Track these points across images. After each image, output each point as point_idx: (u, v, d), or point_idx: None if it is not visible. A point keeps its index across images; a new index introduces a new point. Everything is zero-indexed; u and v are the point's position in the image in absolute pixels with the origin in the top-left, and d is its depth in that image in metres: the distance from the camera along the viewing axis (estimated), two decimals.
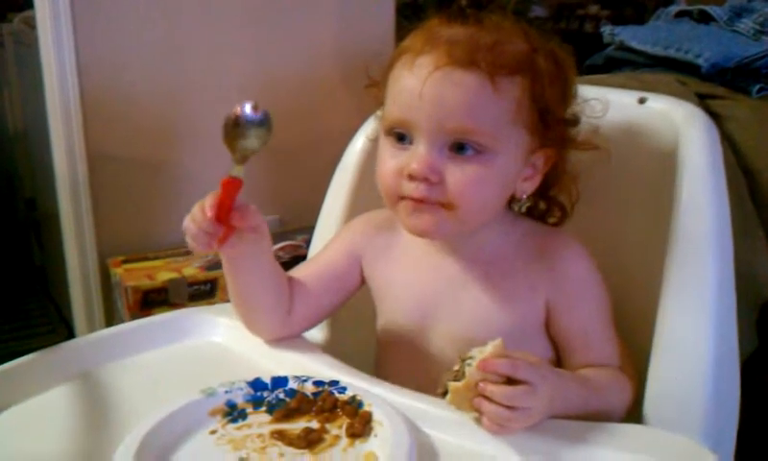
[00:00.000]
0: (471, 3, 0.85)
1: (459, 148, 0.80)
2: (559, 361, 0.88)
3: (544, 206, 0.91)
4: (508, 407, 0.71)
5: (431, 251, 0.90)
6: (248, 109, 0.77)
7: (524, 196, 0.87)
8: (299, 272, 0.96)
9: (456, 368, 0.73)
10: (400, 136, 0.82)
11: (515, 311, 0.86)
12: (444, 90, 0.78)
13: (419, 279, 0.91)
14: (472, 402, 0.72)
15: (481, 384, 0.71)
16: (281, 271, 0.92)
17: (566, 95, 0.85)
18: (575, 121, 0.86)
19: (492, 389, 0.71)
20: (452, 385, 0.73)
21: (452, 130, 0.79)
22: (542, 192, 0.89)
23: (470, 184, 0.80)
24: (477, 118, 0.79)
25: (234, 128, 0.77)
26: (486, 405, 0.71)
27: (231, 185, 0.78)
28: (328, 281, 0.95)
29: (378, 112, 0.91)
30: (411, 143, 0.81)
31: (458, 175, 0.79)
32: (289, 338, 0.94)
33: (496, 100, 0.79)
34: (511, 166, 0.82)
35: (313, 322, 0.96)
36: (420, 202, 0.81)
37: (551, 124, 0.83)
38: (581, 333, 0.87)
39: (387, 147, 0.84)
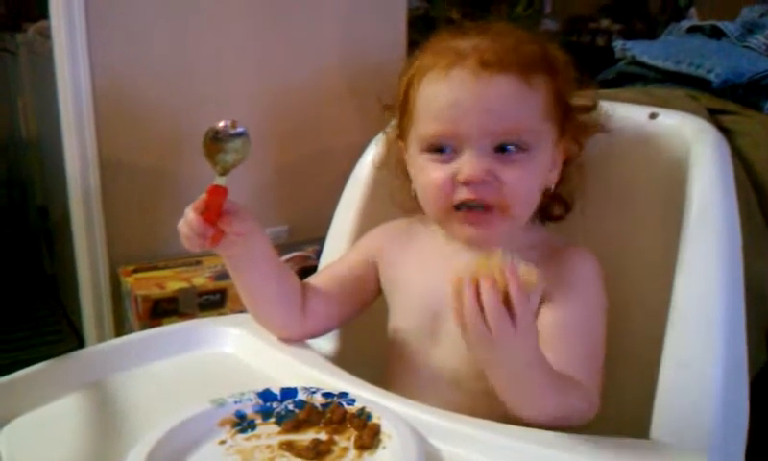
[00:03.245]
0: (475, 16, 0.89)
1: (503, 149, 0.83)
2: None
3: (546, 202, 0.93)
4: (484, 321, 0.69)
5: (448, 252, 0.91)
6: (226, 125, 0.83)
7: (552, 187, 0.90)
8: (316, 276, 0.99)
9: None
10: (440, 149, 0.85)
11: None
12: (488, 97, 0.82)
13: (432, 276, 0.92)
14: (464, 278, 0.70)
15: (487, 278, 0.68)
16: (288, 270, 0.94)
17: (572, 87, 0.90)
18: (593, 106, 0.91)
19: (488, 291, 0.68)
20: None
21: (500, 131, 0.83)
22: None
23: (521, 180, 0.84)
24: (519, 118, 0.83)
25: (213, 143, 0.82)
26: (469, 297, 0.69)
27: (216, 193, 0.82)
28: (345, 284, 0.97)
29: (387, 130, 0.95)
30: (454, 152, 0.84)
31: (509, 173, 0.83)
32: (307, 338, 0.95)
33: (531, 97, 0.84)
34: (546, 159, 0.87)
35: (330, 323, 0.97)
36: (476, 214, 0.84)
37: (569, 114, 0.88)
38: (558, 327, 0.84)
39: (426, 162, 0.86)
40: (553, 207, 0.95)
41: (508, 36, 0.85)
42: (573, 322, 0.85)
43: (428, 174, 0.86)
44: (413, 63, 0.89)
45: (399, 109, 0.92)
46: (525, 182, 0.84)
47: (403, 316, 0.95)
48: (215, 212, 0.83)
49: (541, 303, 0.86)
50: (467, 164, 0.83)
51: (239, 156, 0.82)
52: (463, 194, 0.84)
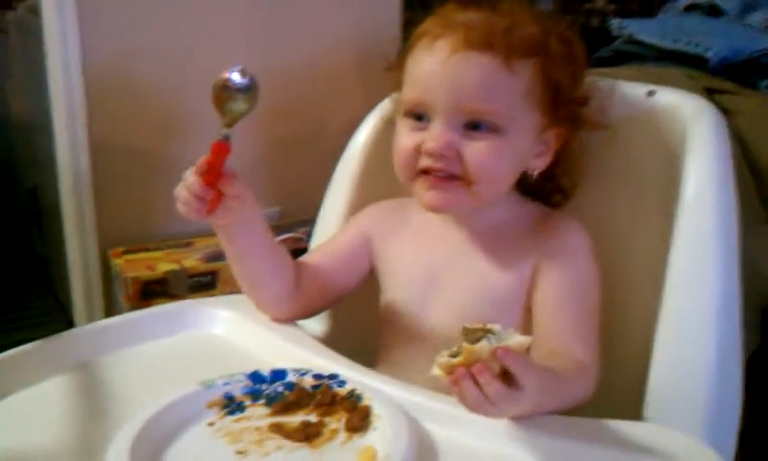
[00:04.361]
0: None
1: (474, 126, 0.84)
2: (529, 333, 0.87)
3: (548, 188, 0.95)
4: (492, 403, 0.67)
5: (438, 225, 0.93)
6: (236, 73, 0.82)
7: (535, 173, 0.90)
8: (308, 255, 1.00)
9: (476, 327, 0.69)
10: (418, 116, 0.86)
11: (508, 277, 0.89)
12: (462, 73, 0.83)
13: (424, 252, 0.94)
14: (456, 371, 0.67)
15: (478, 367, 0.66)
16: (281, 245, 0.95)
17: (577, 76, 0.90)
18: (585, 100, 0.90)
19: (488, 380, 0.66)
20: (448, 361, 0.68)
21: (468, 110, 0.83)
22: (547, 172, 0.92)
23: (485, 158, 0.84)
24: (492, 99, 0.83)
25: (223, 91, 0.81)
26: (469, 388, 0.67)
27: (221, 148, 0.81)
28: (338, 261, 0.97)
29: (395, 95, 0.95)
30: (428, 122, 0.85)
31: (473, 150, 0.84)
32: (300, 315, 0.95)
33: (510, 81, 0.83)
34: (523, 144, 0.87)
35: (322, 300, 0.97)
36: (437, 178, 0.85)
37: (562, 103, 0.87)
38: (556, 301, 0.86)
39: (404, 127, 0.88)
40: (553, 196, 0.96)
41: (507, 16, 0.86)
42: (567, 290, 0.86)
43: (400, 140, 0.88)
44: (417, 29, 0.90)
45: (399, 72, 0.92)
46: (490, 162, 0.84)
47: (396, 288, 0.95)
48: (216, 172, 0.82)
49: (535, 275, 0.88)
50: (432, 136, 0.84)
51: (248, 105, 0.81)
52: (425, 162, 0.85)
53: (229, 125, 0.81)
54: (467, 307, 0.88)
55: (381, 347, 0.97)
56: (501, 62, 0.83)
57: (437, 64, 0.84)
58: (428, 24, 0.88)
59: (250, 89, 0.81)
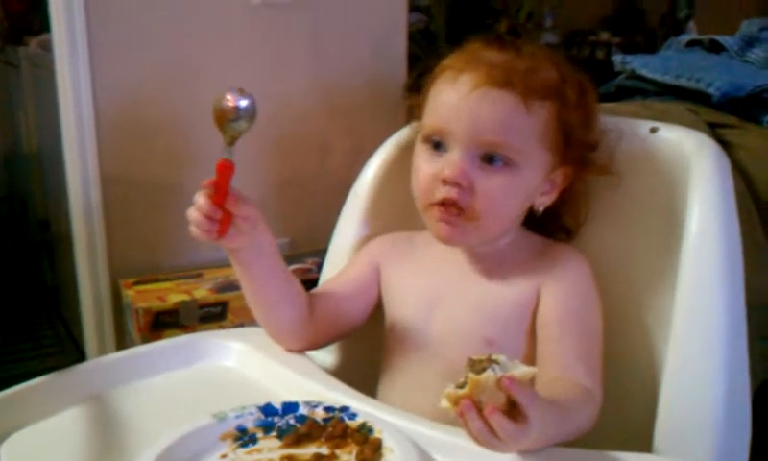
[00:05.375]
0: (508, 31, 0.91)
1: (489, 159, 0.87)
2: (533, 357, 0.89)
3: (552, 226, 0.97)
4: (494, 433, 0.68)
5: (442, 252, 0.95)
6: (234, 93, 0.84)
7: (541, 209, 0.93)
8: (321, 286, 1.02)
9: (480, 359, 0.69)
10: (436, 144, 0.89)
11: (511, 296, 0.91)
12: (481, 107, 0.86)
13: (428, 275, 0.97)
14: (462, 403, 0.67)
15: (489, 410, 0.66)
16: (292, 274, 0.95)
17: (589, 122, 0.93)
18: (594, 146, 0.93)
19: (494, 415, 0.66)
20: (465, 384, 0.68)
21: (485, 142, 0.86)
22: (551, 210, 0.94)
23: (497, 193, 0.87)
24: (508, 134, 0.86)
25: (223, 111, 0.83)
26: (474, 420, 0.67)
27: (224, 167, 0.83)
28: (350, 290, 0.99)
29: (413, 123, 0.98)
30: (446, 151, 0.88)
31: (486, 184, 0.87)
32: (313, 345, 0.97)
33: (527, 120, 0.86)
34: (533, 180, 0.90)
35: (336, 329, 0.99)
36: (446, 212, 0.87)
37: (573, 146, 0.90)
38: (558, 322, 0.88)
39: (423, 154, 0.91)
40: (557, 234, 0.98)
41: (528, 59, 0.89)
42: (570, 312, 0.89)
43: (420, 166, 0.91)
44: (442, 61, 0.93)
45: (419, 101, 0.95)
46: (500, 196, 0.88)
47: (401, 305, 0.97)
48: (222, 191, 0.83)
49: (539, 297, 0.90)
50: (449, 164, 0.87)
51: (247, 123, 0.83)
52: (439, 194, 0.88)
53: (231, 143, 0.83)
54: (468, 323, 0.91)
55: (384, 360, 0.98)
56: (519, 101, 0.86)
57: (458, 97, 0.87)
58: (452, 59, 0.91)
59: (248, 108, 0.83)
